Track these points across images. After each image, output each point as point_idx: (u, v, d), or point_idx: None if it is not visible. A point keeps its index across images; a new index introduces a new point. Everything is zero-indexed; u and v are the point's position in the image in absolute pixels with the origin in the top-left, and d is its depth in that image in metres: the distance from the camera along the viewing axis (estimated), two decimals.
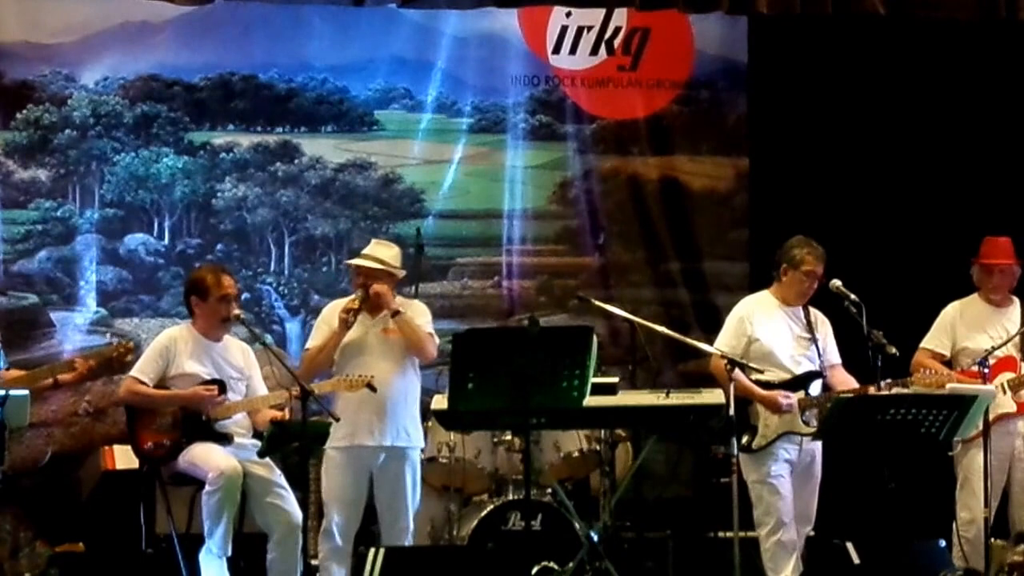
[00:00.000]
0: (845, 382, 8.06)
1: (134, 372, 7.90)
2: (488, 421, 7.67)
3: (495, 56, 10.60)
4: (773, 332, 8.10)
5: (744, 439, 7.95)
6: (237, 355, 8.08)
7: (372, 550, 6.90)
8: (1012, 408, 8.27)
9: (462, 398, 6.78)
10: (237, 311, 7.91)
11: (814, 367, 8.07)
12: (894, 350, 7.70)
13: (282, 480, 7.82)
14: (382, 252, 8.00)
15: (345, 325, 7.81)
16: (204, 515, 7.61)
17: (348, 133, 10.44)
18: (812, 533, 8.03)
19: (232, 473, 7.57)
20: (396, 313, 7.84)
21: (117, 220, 10.08)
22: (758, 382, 7.97)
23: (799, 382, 8.03)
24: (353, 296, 7.90)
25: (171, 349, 7.92)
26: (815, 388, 8.05)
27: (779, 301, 8.17)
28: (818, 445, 8.00)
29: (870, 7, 9.03)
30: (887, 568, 7.11)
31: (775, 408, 7.91)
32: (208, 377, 7.89)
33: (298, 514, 7.68)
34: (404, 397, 7.97)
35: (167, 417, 7.84)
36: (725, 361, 7.68)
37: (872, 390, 7.68)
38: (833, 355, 8.19)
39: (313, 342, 8.01)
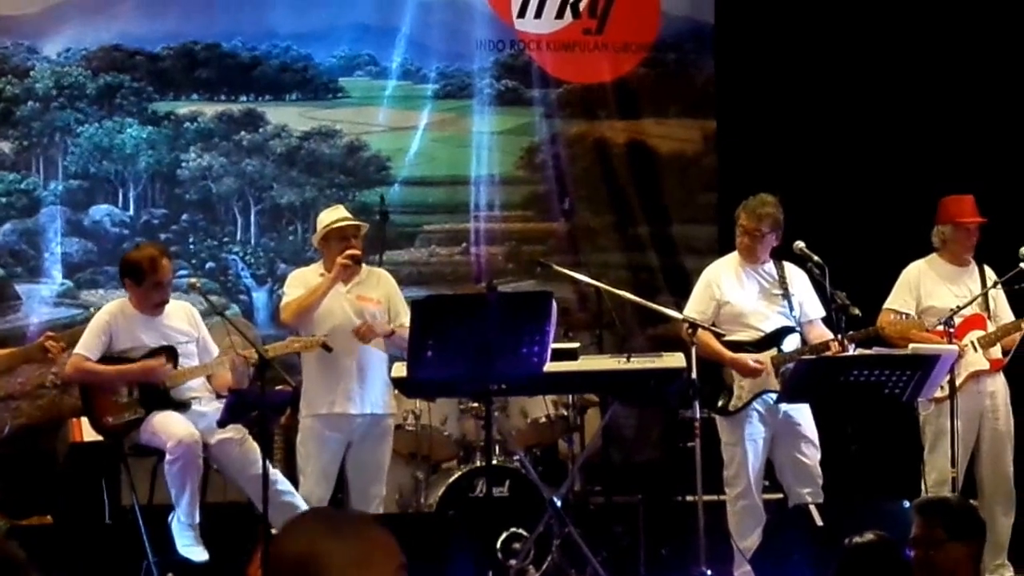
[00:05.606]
0: (820, 337, 7.99)
1: (79, 349, 7.69)
2: (448, 389, 7.58)
3: (460, 21, 10.52)
4: (741, 293, 8.08)
5: (720, 402, 7.95)
6: (181, 319, 7.89)
7: None
8: (984, 365, 8.27)
9: (421, 365, 6.77)
10: (193, 279, 7.76)
11: (787, 323, 8.05)
12: (857, 311, 7.69)
13: (248, 438, 7.62)
14: (347, 211, 8.08)
15: (353, 271, 7.78)
16: (168, 485, 7.53)
17: (313, 101, 10.37)
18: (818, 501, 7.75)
19: (189, 440, 7.46)
20: (391, 333, 7.88)
21: (81, 191, 10.01)
22: (729, 343, 7.95)
23: (770, 339, 8.00)
24: (348, 252, 7.78)
25: (112, 324, 7.75)
26: (789, 343, 8.00)
27: (744, 261, 8.16)
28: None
29: None
30: (851, 530, 7.08)
31: (745, 371, 7.89)
32: (156, 345, 7.75)
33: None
34: (380, 364, 7.93)
35: (123, 390, 7.72)
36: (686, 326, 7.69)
37: (835, 345, 7.68)
38: (812, 310, 8.10)
39: (296, 293, 7.90)
